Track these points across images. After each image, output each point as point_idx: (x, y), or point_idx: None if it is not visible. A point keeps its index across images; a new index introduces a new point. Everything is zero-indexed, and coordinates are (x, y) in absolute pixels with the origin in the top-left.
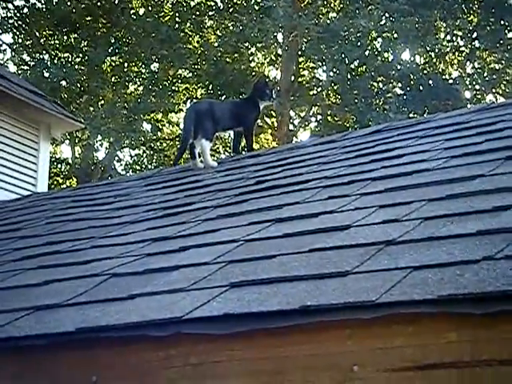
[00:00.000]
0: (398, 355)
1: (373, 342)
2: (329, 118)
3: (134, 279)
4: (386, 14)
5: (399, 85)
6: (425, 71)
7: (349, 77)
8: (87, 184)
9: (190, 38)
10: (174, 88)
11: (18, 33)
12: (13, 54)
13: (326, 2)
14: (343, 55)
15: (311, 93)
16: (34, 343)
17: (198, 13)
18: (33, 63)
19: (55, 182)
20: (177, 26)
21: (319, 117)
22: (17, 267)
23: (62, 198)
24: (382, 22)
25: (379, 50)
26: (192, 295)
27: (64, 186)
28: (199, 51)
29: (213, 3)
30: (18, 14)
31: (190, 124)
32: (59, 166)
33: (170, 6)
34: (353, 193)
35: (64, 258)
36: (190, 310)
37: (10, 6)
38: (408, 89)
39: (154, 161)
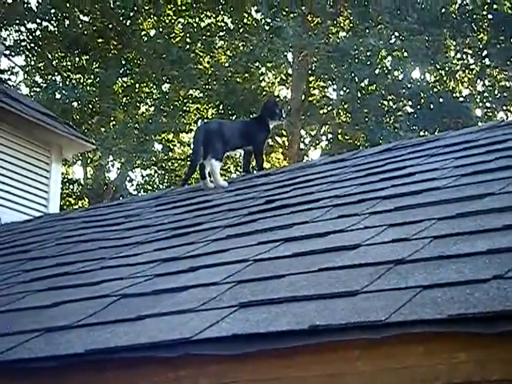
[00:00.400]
0: (408, 375)
1: (382, 362)
2: (339, 136)
3: (143, 300)
4: (396, 33)
5: (409, 103)
6: (435, 89)
7: (359, 95)
8: (98, 205)
9: (201, 59)
10: (184, 108)
11: (30, 55)
12: (25, 76)
13: (335, 22)
14: (353, 74)
15: (321, 112)
16: (44, 365)
17: (208, 33)
18: (45, 85)
19: (67, 203)
20: (187, 46)
21: (330, 135)
22: (27, 289)
23: (73, 219)
24: (392, 41)
25: (389, 68)
26: (201, 316)
27: (76, 206)
28: (210, 71)
29: (223, 24)
30: (30, 37)
31: (200, 144)
32: (71, 186)
33: (181, 27)
34: (363, 211)
35: (74, 280)
36: (199, 331)
37: (22, 28)
38: (418, 107)
39: (166, 181)
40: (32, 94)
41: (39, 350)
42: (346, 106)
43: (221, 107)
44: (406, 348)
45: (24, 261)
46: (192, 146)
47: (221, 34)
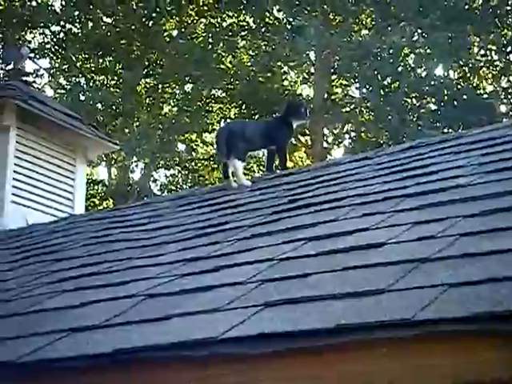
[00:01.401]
0: (434, 374)
1: (409, 360)
2: (362, 134)
3: (169, 300)
4: (419, 30)
5: (433, 100)
6: (459, 86)
7: (382, 93)
8: (123, 205)
9: (223, 59)
10: (207, 108)
11: (54, 57)
12: (50, 78)
13: (357, 20)
14: (376, 72)
15: (344, 110)
16: (71, 365)
17: (230, 33)
18: (69, 87)
19: (92, 204)
20: (210, 46)
21: (353, 134)
22: (54, 289)
23: (99, 220)
24: (415, 38)
25: (412, 65)
26: (227, 315)
27: (101, 207)
28: (232, 71)
29: (245, 23)
30: (54, 39)
31: (223, 144)
32: (95, 187)
33: (203, 27)
34: (387, 210)
35: (100, 280)
36: (226, 330)
37: (47, 31)
38: (442, 104)
39: (189, 181)
40: (57, 95)
41: (67, 349)
42: (368, 105)
43: (243, 107)
44: (433, 346)
45: (51, 261)
46: (215, 146)
47: (243, 33)
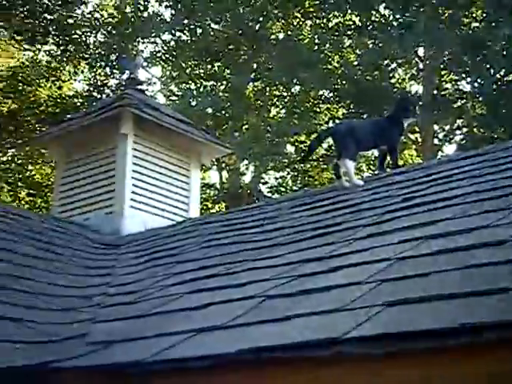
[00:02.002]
0: None
1: None
2: (474, 130)
3: (288, 300)
4: None
5: None
6: None
7: (495, 87)
8: (235, 208)
9: (330, 59)
10: (315, 109)
11: (165, 65)
12: (162, 86)
13: (467, 12)
14: (488, 65)
15: (455, 105)
16: (198, 365)
17: (336, 33)
18: (180, 93)
19: (204, 207)
20: (316, 47)
21: (464, 129)
22: (177, 291)
23: (213, 223)
24: None
25: None
26: (347, 315)
27: (213, 210)
28: (339, 71)
29: (351, 22)
30: (165, 48)
31: (335, 144)
32: (207, 191)
33: (309, 28)
34: (507, 206)
35: (220, 281)
36: (348, 330)
37: (157, 40)
38: None
39: (299, 182)
40: (168, 102)
41: (194, 349)
42: (480, 99)
43: (351, 106)
44: None
45: (172, 264)
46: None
47: (349, 32)
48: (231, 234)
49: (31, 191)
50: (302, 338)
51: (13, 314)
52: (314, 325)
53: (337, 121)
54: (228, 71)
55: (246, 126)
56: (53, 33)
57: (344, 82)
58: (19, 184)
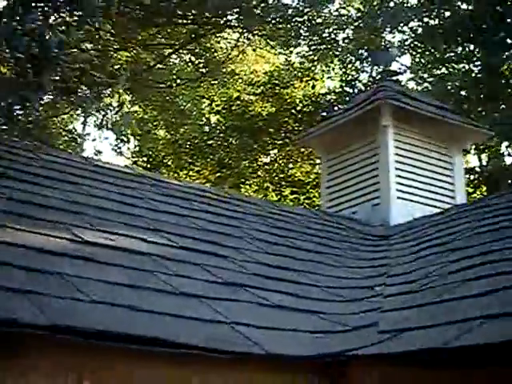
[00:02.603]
0: None
1: None
2: None
3: None
4: None
5: None
6: None
7: None
8: (498, 193)
9: None
10: None
11: (414, 53)
12: (412, 74)
13: None
14: None
15: None
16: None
17: None
18: (432, 79)
19: (465, 192)
20: None
21: None
22: (456, 279)
23: (481, 208)
24: None
25: None
26: None
27: (474, 195)
28: None
29: None
30: (413, 35)
31: None
32: (467, 175)
33: None
34: None
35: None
36: None
37: (405, 28)
38: None
39: None
40: (421, 89)
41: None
42: None
43: None
44: None
45: (446, 252)
46: None
47: None
48: (501, 218)
49: (294, 189)
50: None
51: (303, 306)
52: None
53: None
54: (479, 51)
55: (503, 106)
56: (304, 34)
57: None
58: (282, 183)
